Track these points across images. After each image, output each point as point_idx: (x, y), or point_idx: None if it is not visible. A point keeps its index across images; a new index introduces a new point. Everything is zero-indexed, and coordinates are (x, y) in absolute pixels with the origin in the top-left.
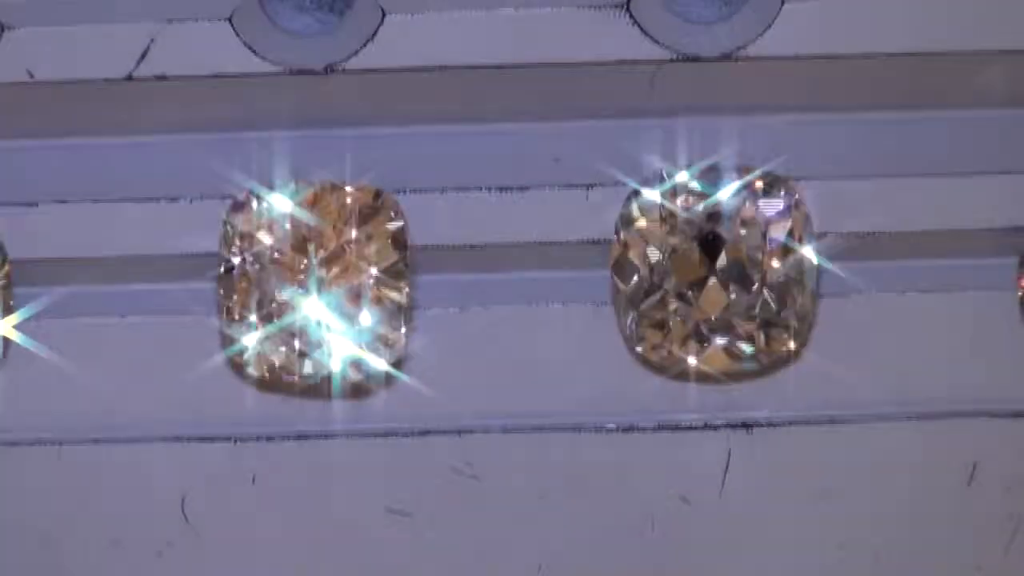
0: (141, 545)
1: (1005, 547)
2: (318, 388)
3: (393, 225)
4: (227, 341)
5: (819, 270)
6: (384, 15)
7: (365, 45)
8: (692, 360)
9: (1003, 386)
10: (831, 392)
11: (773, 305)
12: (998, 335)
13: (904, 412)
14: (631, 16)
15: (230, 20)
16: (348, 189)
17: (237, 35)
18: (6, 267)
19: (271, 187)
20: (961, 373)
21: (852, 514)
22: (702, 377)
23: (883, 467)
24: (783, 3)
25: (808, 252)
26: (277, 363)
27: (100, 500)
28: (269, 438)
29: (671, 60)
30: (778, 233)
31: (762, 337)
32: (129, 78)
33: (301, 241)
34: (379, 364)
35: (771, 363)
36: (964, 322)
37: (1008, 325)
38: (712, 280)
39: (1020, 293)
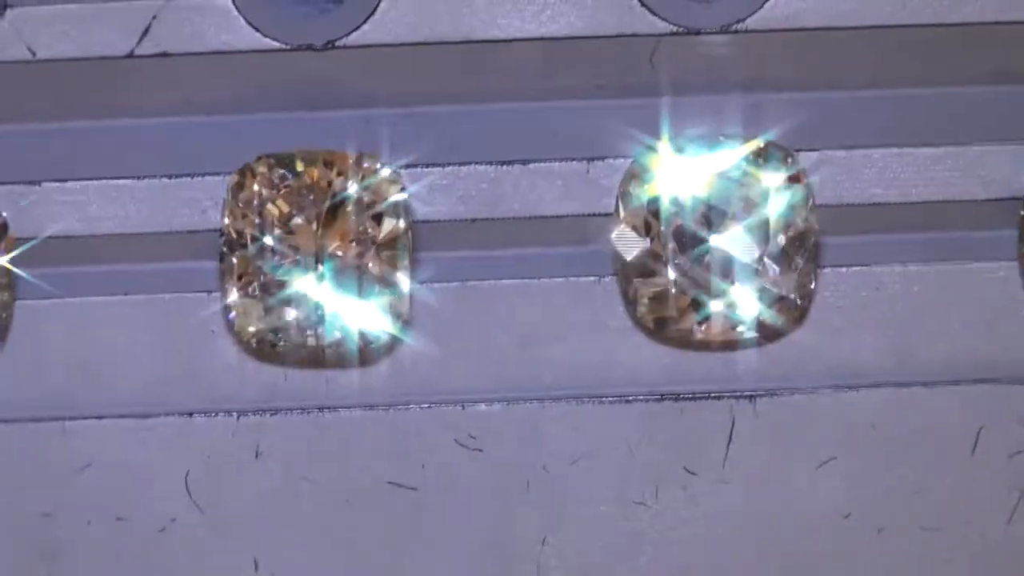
0: (144, 521)
1: (1008, 515)
2: (322, 358)
3: (395, 195)
4: (230, 313)
5: (819, 240)
6: None
7: (365, 21)
8: (693, 329)
9: (1007, 354)
10: (834, 361)
11: (773, 274)
12: (1001, 304)
13: (908, 380)
14: None
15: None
16: (351, 158)
17: (239, 12)
18: (7, 243)
19: (276, 160)
20: (964, 342)
21: (856, 484)
22: (703, 346)
23: (887, 436)
24: None
25: (809, 222)
26: (280, 334)
27: (103, 477)
28: (272, 412)
29: (671, 33)
30: (779, 203)
31: (763, 306)
32: (131, 56)
33: (303, 210)
34: (384, 330)
35: (772, 332)
36: (967, 292)
37: (1011, 295)
38: (711, 250)
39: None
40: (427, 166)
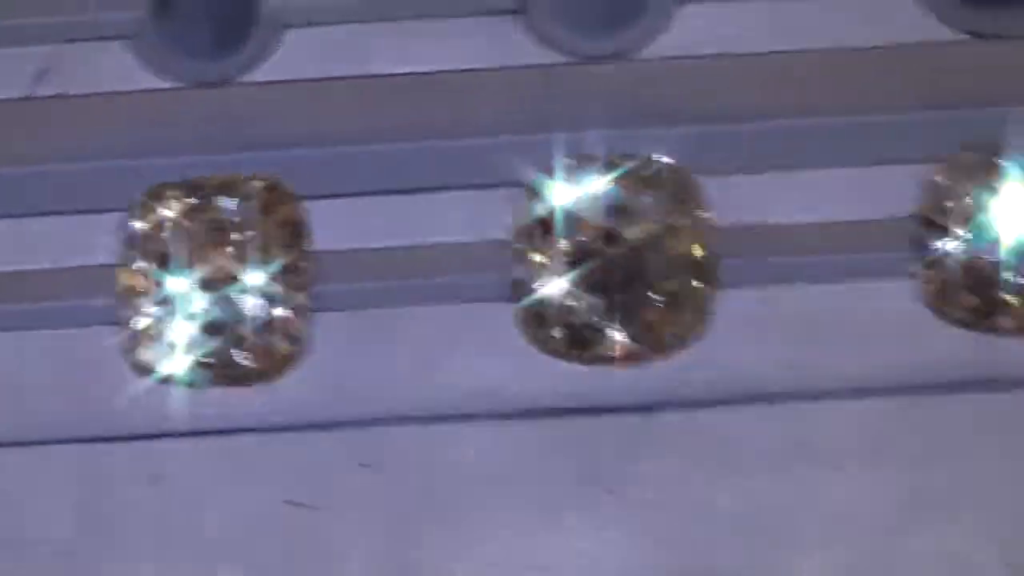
0: (38, 548)
1: (907, 524)
2: (222, 380)
3: (294, 221)
4: (130, 341)
5: (714, 261)
6: (284, 30)
7: (264, 59)
8: (591, 348)
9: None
10: (732, 377)
11: (661, 294)
12: (898, 321)
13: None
14: (524, 22)
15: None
16: (256, 184)
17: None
18: None
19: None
20: (862, 358)
21: (756, 496)
22: (607, 364)
23: (777, 449)
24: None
25: (696, 243)
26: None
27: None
28: (170, 436)
29: (565, 64)
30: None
31: (654, 324)
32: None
33: (205, 236)
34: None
35: (663, 349)
36: (863, 310)
37: (906, 312)
38: (601, 272)
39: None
40: (330, 197)
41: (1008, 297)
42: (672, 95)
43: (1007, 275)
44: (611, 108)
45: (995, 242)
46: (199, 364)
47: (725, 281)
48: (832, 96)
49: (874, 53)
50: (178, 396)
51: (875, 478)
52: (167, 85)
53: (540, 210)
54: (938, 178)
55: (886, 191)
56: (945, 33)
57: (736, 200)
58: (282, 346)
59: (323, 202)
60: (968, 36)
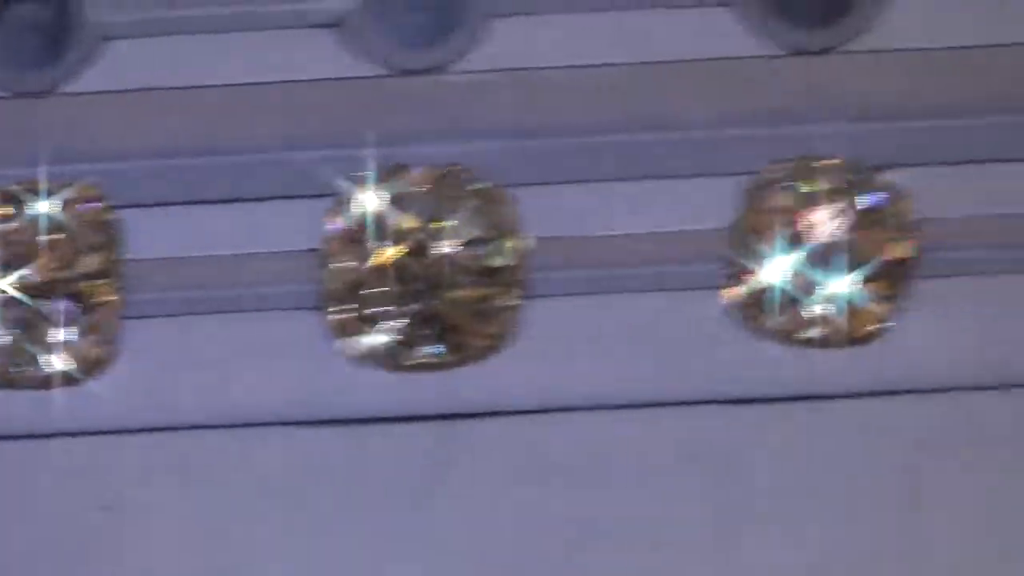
0: None
1: (715, 535)
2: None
3: (107, 228)
4: None
5: (524, 271)
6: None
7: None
8: (401, 357)
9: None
10: (541, 387)
11: (470, 303)
12: (708, 331)
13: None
14: (343, 34)
15: None
16: (64, 189)
17: None
18: None
19: None
20: (678, 367)
21: (560, 506)
22: (415, 371)
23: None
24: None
25: (508, 253)
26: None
27: None
28: None
29: (382, 76)
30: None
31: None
32: None
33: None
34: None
35: (472, 358)
36: (676, 320)
37: (718, 323)
38: (410, 281)
39: (727, 295)
40: (146, 206)
41: (816, 311)
42: (490, 107)
43: (813, 289)
44: (427, 121)
45: (804, 256)
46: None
47: (535, 291)
48: (647, 109)
49: (689, 67)
50: None
51: (684, 489)
52: None
53: (351, 220)
54: (751, 189)
55: (700, 204)
56: (762, 48)
57: (548, 211)
58: (92, 350)
59: (136, 210)
60: (786, 52)
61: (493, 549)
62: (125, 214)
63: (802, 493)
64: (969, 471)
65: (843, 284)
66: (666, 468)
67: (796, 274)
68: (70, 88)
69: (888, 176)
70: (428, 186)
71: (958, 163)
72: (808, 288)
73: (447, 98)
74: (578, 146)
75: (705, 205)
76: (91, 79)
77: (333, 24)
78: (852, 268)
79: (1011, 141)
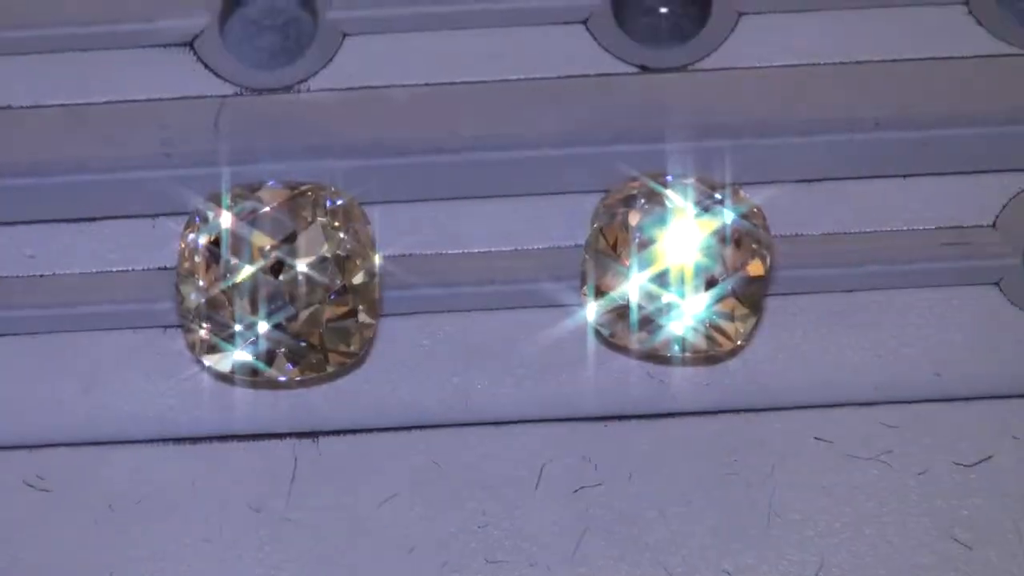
0: None
1: (573, 549)
2: None
3: None
4: None
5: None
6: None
7: None
8: (259, 374)
9: (571, 393)
10: (397, 403)
11: (327, 320)
12: (567, 347)
13: (473, 420)
14: (195, 53)
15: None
16: None
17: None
18: None
19: None
20: (527, 382)
21: (421, 520)
22: (269, 387)
23: (450, 474)
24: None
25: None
26: None
27: None
28: None
29: (235, 95)
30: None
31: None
32: None
33: None
34: None
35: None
36: (529, 335)
37: (577, 338)
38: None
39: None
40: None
41: (674, 327)
42: (342, 125)
43: (669, 308)
44: (282, 138)
45: (662, 272)
46: None
47: (389, 309)
48: (500, 128)
49: (545, 84)
50: None
51: (542, 506)
52: None
53: (207, 238)
54: (606, 207)
55: (557, 220)
56: (615, 66)
57: (406, 228)
58: None
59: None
60: (637, 69)
61: (345, 564)
62: None
63: (658, 509)
64: (822, 487)
65: (698, 302)
66: (526, 483)
67: (651, 292)
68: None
69: (742, 194)
70: (283, 204)
71: (811, 181)
72: (663, 307)
73: (300, 116)
74: (431, 164)
75: (560, 222)
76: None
77: (187, 44)
78: (707, 286)
79: (861, 158)
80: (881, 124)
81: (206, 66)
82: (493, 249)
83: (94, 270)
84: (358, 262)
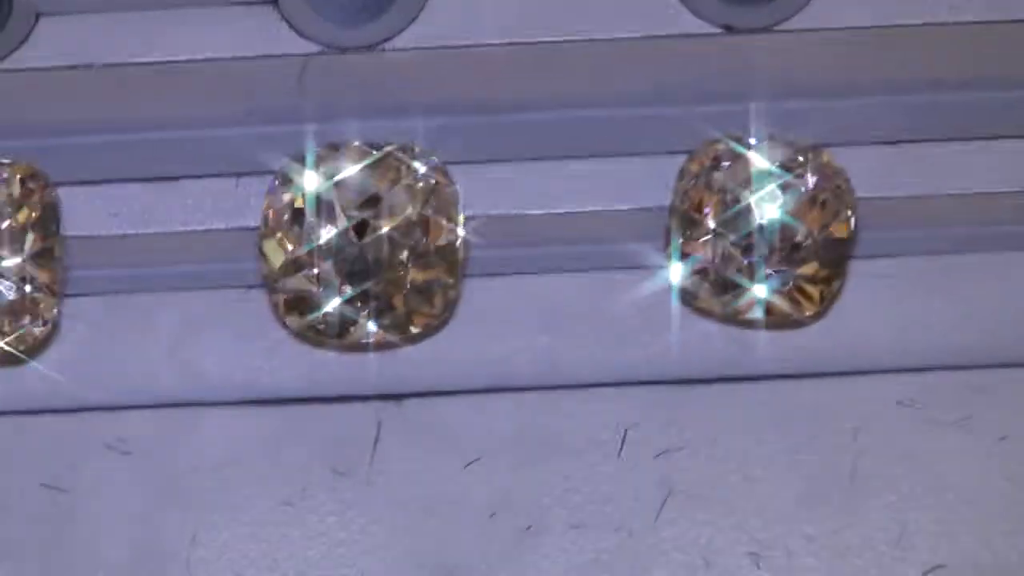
0: None
1: (655, 515)
2: None
3: (47, 205)
4: None
5: (464, 250)
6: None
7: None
8: (344, 335)
9: (652, 357)
10: (483, 365)
11: (411, 283)
12: (648, 310)
13: (557, 383)
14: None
15: None
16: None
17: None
18: None
19: None
20: (610, 346)
21: (503, 484)
22: (354, 350)
23: (534, 437)
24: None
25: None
26: None
27: None
28: None
29: (319, 53)
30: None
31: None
32: None
33: None
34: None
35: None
36: (614, 299)
37: (658, 301)
38: (352, 260)
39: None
40: (83, 183)
41: (758, 290)
42: (426, 85)
43: (757, 268)
44: (366, 97)
45: (747, 234)
46: None
47: (474, 270)
48: (585, 88)
49: (625, 45)
50: None
51: (625, 470)
52: None
53: (291, 198)
54: (690, 169)
55: (642, 181)
56: (700, 26)
57: (489, 190)
58: (33, 330)
59: (76, 188)
60: (721, 30)
61: (427, 529)
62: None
63: (741, 474)
64: (905, 452)
65: (782, 265)
66: (610, 447)
67: (734, 255)
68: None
69: (826, 156)
70: (367, 166)
71: (895, 143)
72: (746, 269)
73: (384, 74)
74: (517, 124)
75: (645, 184)
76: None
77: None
78: (791, 249)
79: (945, 120)
80: (966, 85)
81: (290, 24)
82: (577, 210)
83: (177, 229)
84: (443, 223)
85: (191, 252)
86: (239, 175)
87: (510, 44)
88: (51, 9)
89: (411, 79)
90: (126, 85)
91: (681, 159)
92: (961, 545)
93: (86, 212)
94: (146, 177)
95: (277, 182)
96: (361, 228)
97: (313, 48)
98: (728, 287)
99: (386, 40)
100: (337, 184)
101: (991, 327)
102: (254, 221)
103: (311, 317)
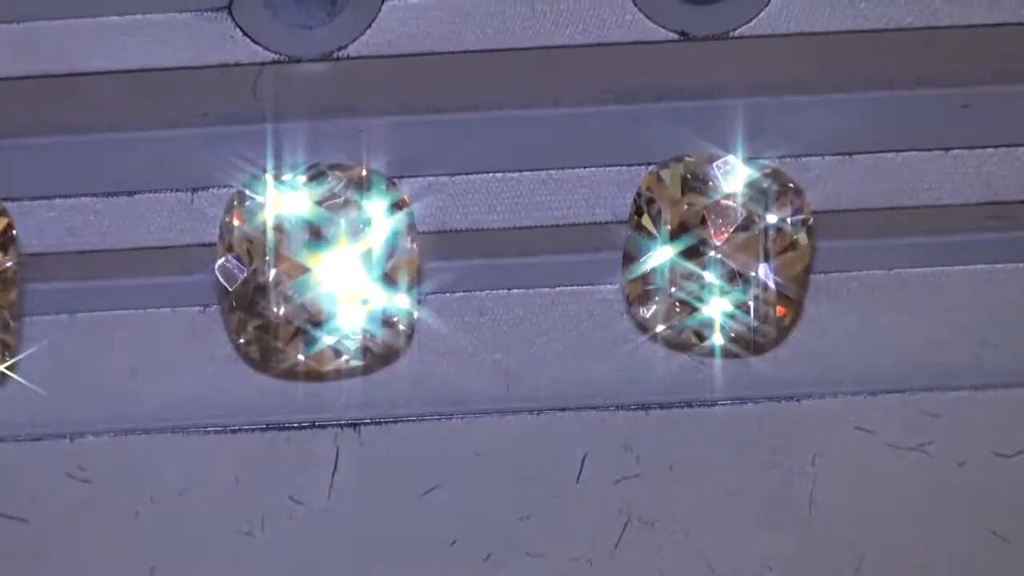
0: None
1: (615, 541)
2: None
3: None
4: None
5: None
6: None
7: None
8: (300, 358)
9: (612, 379)
10: (439, 388)
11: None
12: (608, 330)
13: (515, 407)
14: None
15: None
16: None
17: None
18: None
19: None
20: (570, 367)
21: (462, 511)
22: (310, 377)
23: (493, 463)
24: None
25: (412, 249)
26: None
27: None
28: None
29: (273, 62)
30: (383, 230)
31: (372, 332)
32: None
33: None
34: None
35: (381, 360)
36: (571, 316)
37: (617, 320)
38: (316, 277)
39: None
40: (32, 199)
41: (713, 311)
42: (379, 93)
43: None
44: (318, 105)
45: (700, 255)
46: None
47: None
48: (540, 96)
49: (583, 52)
50: None
51: (584, 496)
52: None
53: (250, 215)
54: (648, 184)
55: (600, 195)
56: (656, 33)
57: (440, 203)
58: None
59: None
60: (677, 36)
61: (387, 556)
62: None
63: (698, 500)
64: (863, 477)
65: (736, 288)
66: (568, 473)
67: (690, 275)
68: None
69: (784, 174)
70: (322, 194)
71: (851, 154)
72: (702, 290)
73: (338, 83)
74: (469, 132)
75: (603, 198)
76: None
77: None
78: (746, 271)
79: (901, 129)
80: (922, 88)
81: (244, 33)
82: (533, 225)
83: (132, 246)
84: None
85: (146, 268)
86: (194, 190)
87: (463, 52)
88: (3, 17)
89: (364, 87)
90: (69, 94)
91: (640, 171)
92: (921, 571)
93: (41, 228)
94: (102, 192)
95: (234, 204)
96: (319, 250)
97: (268, 57)
98: (682, 308)
99: (340, 48)
100: (296, 206)
101: (947, 344)
102: (209, 238)
103: (267, 346)
